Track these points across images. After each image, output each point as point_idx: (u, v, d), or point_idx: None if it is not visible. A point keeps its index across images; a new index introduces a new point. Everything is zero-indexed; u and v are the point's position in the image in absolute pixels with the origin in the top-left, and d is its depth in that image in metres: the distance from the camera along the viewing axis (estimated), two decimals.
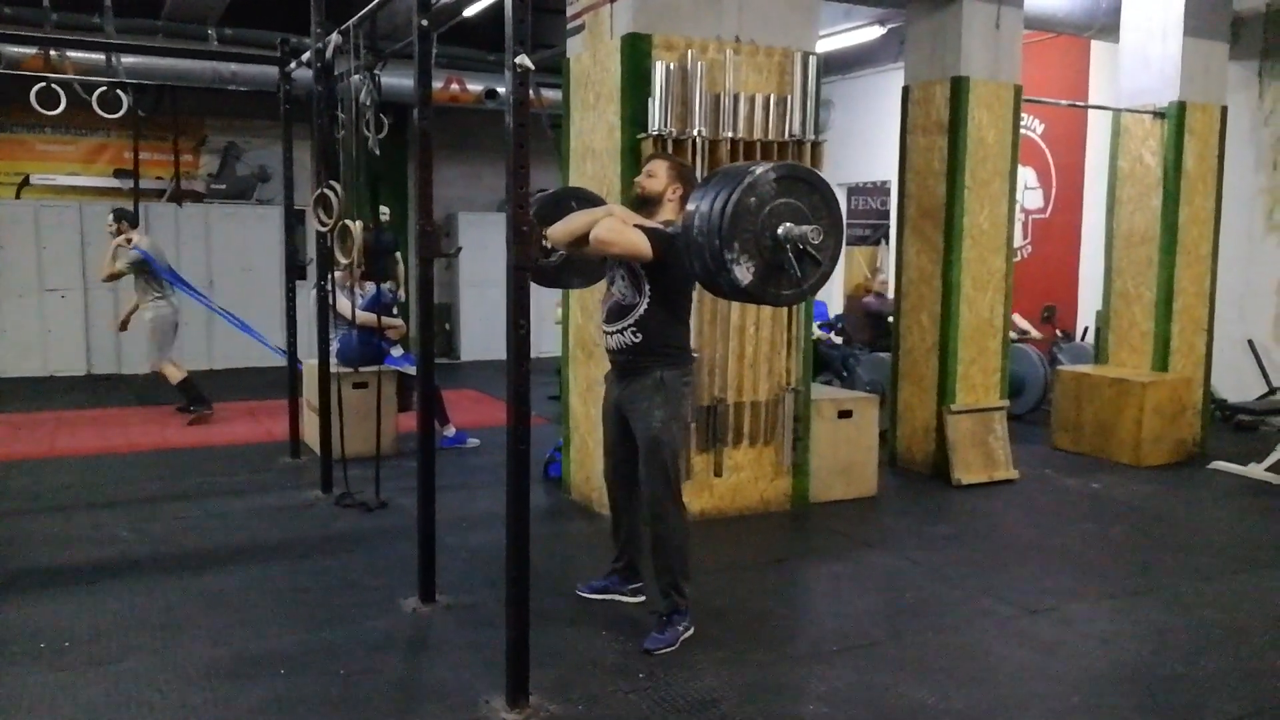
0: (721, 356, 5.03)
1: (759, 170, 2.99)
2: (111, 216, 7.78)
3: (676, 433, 3.59)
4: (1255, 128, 7.95)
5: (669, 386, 3.53)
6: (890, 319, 8.23)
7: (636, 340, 3.53)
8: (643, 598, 3.90)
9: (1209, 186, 6.87)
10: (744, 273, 2.96)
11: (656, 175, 3.66)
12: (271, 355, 7.66)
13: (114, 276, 7.81)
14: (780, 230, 2.98)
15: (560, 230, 3.58)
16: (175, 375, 7.78)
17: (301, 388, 6.55)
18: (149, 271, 7.69)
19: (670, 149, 4.74)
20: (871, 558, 4.70)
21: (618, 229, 3.43)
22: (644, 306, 3.52)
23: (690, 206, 3.11)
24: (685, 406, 3.69)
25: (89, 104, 7.03)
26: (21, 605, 3.85)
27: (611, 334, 3.62)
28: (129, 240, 7.64)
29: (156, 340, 7.78)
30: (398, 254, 8.49)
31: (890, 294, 8.66)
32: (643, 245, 3.40)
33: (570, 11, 5.32)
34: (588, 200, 3.93)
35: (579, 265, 3.85)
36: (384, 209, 5.32)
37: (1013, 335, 8.17)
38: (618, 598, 3.94)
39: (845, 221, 12.76)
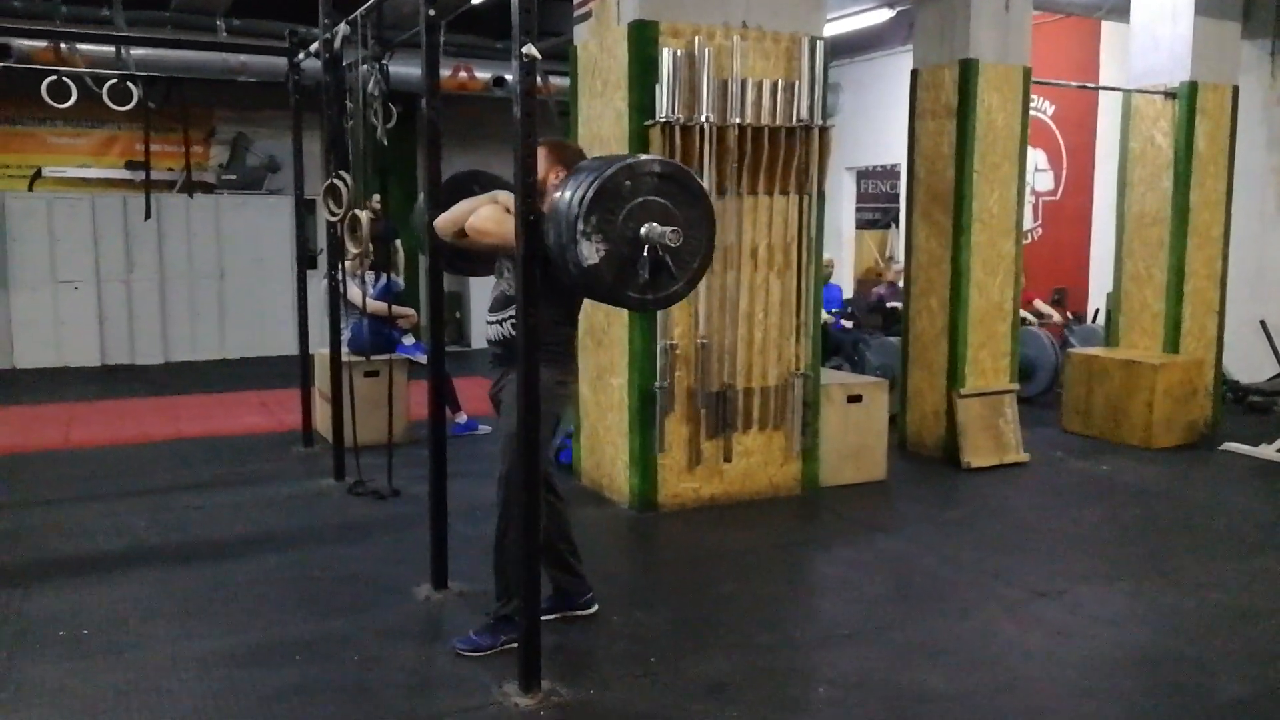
0: (730, 343, 5.04)
1: (644, 156, 2.91)
2: None
3: (543, 433, 3.25)
4: (1267, 107, 7.89)
5: (542, 385, 3.06)
6: (896, 307, 8.24)
7: (514, 334, 3.22)
8: (595, 608, 3.68)
9: (1220, 167, 6.83)
10: (591, 250, 2.82)
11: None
12: (284, 345, 7.66)
13: None
14: (644, 229, 2.86)
15: (444, 220, 3.47)
16: None
17: (313, 377, 6.59)
18: None
19: (678, 135, 4.75)
20: (881, 542, 4.72)
21: (496, 218, 3.26)
22: None
23: (572, 178, 2.95)
24: (555, 408, 3.40)
25: (99, 96, 7.05)
26: (40, 594, 3.90)
27: (491, 324, 3.47)
28: None
29: None
30: (397, 241, 8.51)
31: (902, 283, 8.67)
32: None
33: None
34: (491, 184, 3.74)
35: (480, 253, 3.63)
36: (375, 196, 5.34)
37: (1032, 319, 8.17)
38: (571, 613, 3.65)
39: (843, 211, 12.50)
